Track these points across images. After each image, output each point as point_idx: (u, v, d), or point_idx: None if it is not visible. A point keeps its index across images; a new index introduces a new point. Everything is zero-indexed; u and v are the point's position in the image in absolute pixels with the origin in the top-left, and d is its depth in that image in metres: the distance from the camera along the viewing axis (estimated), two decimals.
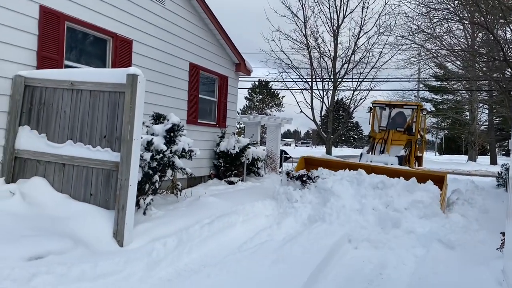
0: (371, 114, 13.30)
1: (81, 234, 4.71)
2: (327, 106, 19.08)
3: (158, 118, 7.04)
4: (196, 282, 4.29)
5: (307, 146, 79.73)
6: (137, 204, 5.72)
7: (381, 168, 8.18)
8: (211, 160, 10.61)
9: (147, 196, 5.98)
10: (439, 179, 7.86)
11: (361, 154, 11.76)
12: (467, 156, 36.14)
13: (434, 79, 29.62)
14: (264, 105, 61.74)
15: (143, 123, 6.21)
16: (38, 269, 3.80)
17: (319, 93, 18.97)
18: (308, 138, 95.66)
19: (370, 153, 11.87)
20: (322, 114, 20.29)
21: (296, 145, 75.85)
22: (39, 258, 4.06)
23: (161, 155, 6.14)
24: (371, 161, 10.21)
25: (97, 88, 5.27)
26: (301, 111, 18.39)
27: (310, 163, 9.13)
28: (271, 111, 61.36)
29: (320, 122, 20.20)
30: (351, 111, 20.96)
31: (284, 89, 18.70)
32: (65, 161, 5.35)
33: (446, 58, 19.79)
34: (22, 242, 4.17)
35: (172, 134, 6.41)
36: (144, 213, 5.83)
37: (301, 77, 19.07)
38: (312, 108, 18.78)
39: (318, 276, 4.64)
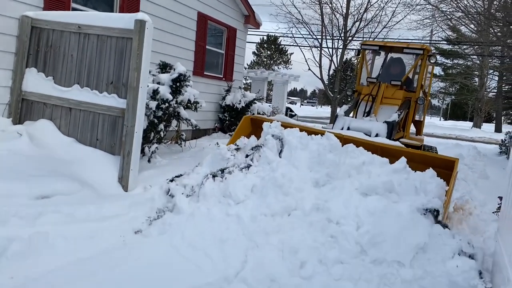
0: (359, 60, 9.20)
1: (87, 177, 4.81)
2: (336, 65, 18.80)
3: (164, 67, 6.99)
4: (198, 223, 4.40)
5: (312, 106, 79.35)
6: (142, 151, 5.80)
7: (359, 141, 5.11)
8: (216, 114, 10.62)
9: (152, 144, 6.05)
10: (446, 165, 4.78)
11: (336, 116, 7.33)
12: (472, 123, 36.01)
13: (446, 42, 28.98)
14: (271, 62, 60.79)
15: (149, 72, 6.18)
16: (45, 208, 3.92)
17: (329, 51, 18.66)
18: (314, 98, 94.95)
19: (351, 114, 7.83)
20: (330, 73, 20.02)
21: (301, 104, 75.44)
22: (46, 198, 4.18)
23: (166, 104, 6.16)
24: (348, 128, 6.69)
25: (104, 33, 5.20)
26: (309, 69, 18.13)
27: (258, 125, 5.80)
28: (278, 68, 60.55)
29: (327, 82, 19.98)
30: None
31: (293, 45, 18.28)
32: (72, 105, 5.37)
33: (460, 20, 19.27)
34: (30, 182, 4.27)
35: (178, 84, 6.39)
36: (149, 161, 5.93)
37: (311, 33, 18.67)
38: (320, 66, 18.51)
39: None
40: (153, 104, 5.83)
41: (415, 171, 4.30)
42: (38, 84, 5.59)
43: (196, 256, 3.42)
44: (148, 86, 5.55)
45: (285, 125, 5.33)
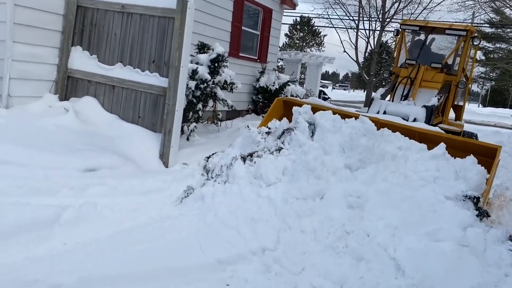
0: (397, 41, 8.80)
1: (130, 153, 5.01)
2: (372, 47, 18.40)
3: (202, 48, 7.06)
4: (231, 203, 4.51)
5: (344, 90, 78.09)
6: (181, 130, 5.94)
7: (396, 126, 4.93)
8: (250, 95, 10.67)
9: (191, 123, 6.19)
10: (487, 153, 4.58)
11: (372, 99, 7.16)
12: None
13: (488, 25, 27.73)
14: (304, 44, 59.99)
15: None
16: (92, 180, 4.13)
17: (365, 33, 18.26)
18: (347, 81, 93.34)
19: (388, 98, 7.52)
20: (366, 56, 19.62)
21: (333, 88, 74.38)
22: (93, 171, 4.39)
23: (205, 84, 6.26)
24: (384, 112, 6.44)
25: (147, 12, 5.32)
26: (344, 51, 17.88)
27: (291, 107, 5.47)
28: (311, 50, 59.70)
29: (362, 65, 19.63)
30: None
31: (328, 26, 18.04)
32: (115, 83, 5.55)
33: (505, 2, 18.36)
34: (77, 155, 4.50)
35: (216, 65, 6.47)
36: (188, 139, 6.08)
37: (348, 14, 18.30)
38: (356, 49, 18.21)
39: None
40: (192, 84, 5.95)
41: (455, 158, 4.17)
42: (83, 62, 5.79)
43: (228, 233, 3.51)
44: None
45: (318, 108, 5.29)
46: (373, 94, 8.00)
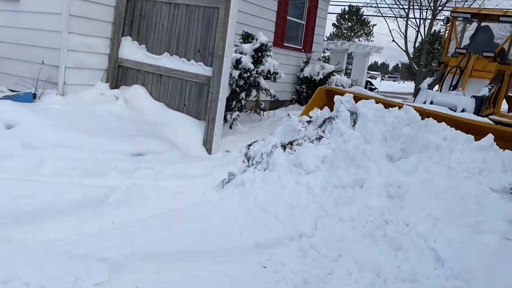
0: (448, 28, 8.52)
1: (175, 139, 5.20)
2: (423, 36, 17.74)
3: (246, 38, 7.15)
4: (270, 189, 4.57)
5: (394, 81, 75.73)
6: (225, 118, 6.09)
7: (441, 116, 4.71)
8: (293, 85, 10.66)
9: (234, 112, 6.31)
10: None
11: (419, 89, 7.08)
12: None
13: None
14: (352, 34, 58.68)
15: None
16: (139, 164, 4.33)
17: (416, 21, 17.61)
18: (396, 72, 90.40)
19: (436, 88, 7.28)
20: (416, 46, 18.95)
21: (382, 79, 72.32)
22: (140, 155, 4.61)
23: (248, 74, 6.35)
24: (431, 102, 6.21)
25: (193, 3, 5.46)
26: (393, 40, 17.36)
27: (334, 97, 5.27)
28: (359, 40, 58.31)
29: (412, 55, 18.96)
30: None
31: (376, 15, 17.51)
32: (162, 72, 5.76)
33: None
34: (126, 140, 4.74)
35: (259, 54, 6.54)
36: (230, 127, 6.21)
37: (397, 3, 17.71)
38: (405, 38, 17.62)
39: None
40: (235, 73, 6.05)
41: (504, 150, 3.96)
42: (132, 52, 6.05)
43: (267, 218, 3.58)
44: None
45: (361, 97, 5.20)
46: (420, 84, 7.70)
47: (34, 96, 5.31)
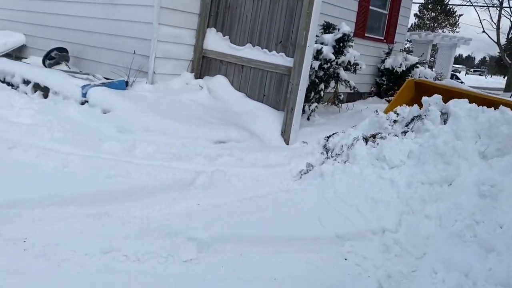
0: None
1: (254, 129, 5.31)
2: None
3: (327, 28, 7.05)
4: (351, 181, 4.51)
5: (480, 75, 70.28)
6: (303, 110, 6.07)
7: None
8: (373, 77, 10.33)
9: (312, 103, 6.28)
10: None
11: None
12: None
13: None
14: (435, 24, 55.33)
15: None
16: (222, 151, 4.50)
17: (510, 11, 16.18)
18: (483, 66, 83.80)
19: None
20: (509, 37, 17.44)
21: (467, 73, 67.44)
22: (222, 143, 4.78)
23: (328, 64, 6.27)
24: None
25: None
26: (484, 31, 16.12)
27: (423, 90, 5.29)
28: (443, 31, 54.84)
29: (504, 47, 17.49)
30: None
31: (464, 5, 16.29)
32: (244, 63, 5.88)
33: None
34: (210, 128, 4.93)
35: (341, 44, 6.43)
36: (308, 119, 6.20)
37: None
38: (498, 29, 16.27)
39: None
40: (315, 64, 6.01)
41: None
42: (216, 43, 6.24)
43: (347, 211, 3.55)
44: None
45: (455, 91, 4.92)
46: None
47: (126, 83, 5.71)
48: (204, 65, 6.39)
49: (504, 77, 55.51)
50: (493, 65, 66.86)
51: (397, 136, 4.35)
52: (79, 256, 2.61)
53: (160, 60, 5.95)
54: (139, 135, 4.53)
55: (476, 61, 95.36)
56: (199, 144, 4.53)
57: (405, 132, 4.34)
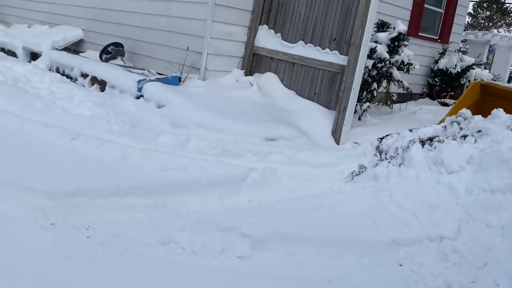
0: None
1: (304, 127, 5.27)
2: None
3: (382, 26, 6.86)
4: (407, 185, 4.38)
5: None
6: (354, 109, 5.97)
7: None
8: (425, 78, 9.98)
9: (364, 103, 6.15)
10: None
11: None
12: None
13: None
14: (490, 24, 52.74)
15: None
16: (272, 149, 4.48)
17: None
18: None
19: None
20: None
21: None
22: (273, 140, 4.77)
23: (382, 63, 6.12)
24: None
25: None
26: None
27: (489, 93, 5.28)
28: (498, 31, 52.15)
29: None
30: None
31: None
32: (295, 60, 5.85)
33: None
34: (260, 125, 4.94)
35: (396, 44, 6.25)
36: (359, 119, 6.08)
37: None
38: None
39: None
40: (369, 63, 5.87)
41: None
42: (267, 40, 6.24)
43: (403, 215, 3.45)
44: None
45: None
46: None
47: (179, 79, 5.82)
48: (254, 62, 6.41)
49: None
50: None
51: (456, 140, 4.18)
52: (139, 246, 2.68)
53: (212, 57, 6.02)
54: (192, 130, 4.61)
55: None
56: (250, 141, 4.54)
57: (464, 136, 4.16)
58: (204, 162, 3.80)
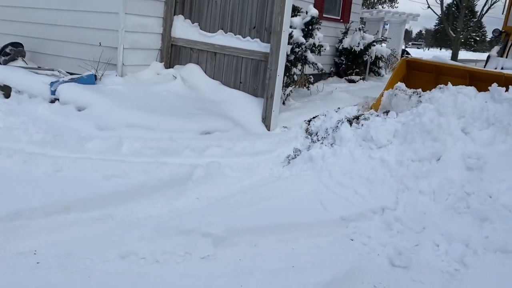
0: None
1: (235, 117, 5.27)
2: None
3: (293, 11, 7.03)
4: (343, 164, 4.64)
5: (418, 48, 73.29)
6: None
7: None
8: (331, 57, 10.52)
9: (287, 88, 6.32)
10: None
11: (488, 57, 8.06)
12: None
13: None
14: (375, 0, 56.79)
15: None
16: (209, 142, 4.44)
17: None
18: (420, 39, 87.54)
19: (504, 56, 8.00)
20: (444, 11, 18.31)
21: (406, 46, 70.08)
22: (208, 133, 4.72)
23: (299, 48, 6.31)
24: (502, 68, 6.90)
25: None
26: (429, 7, 16.79)
27: (413, 68, 6.01)
28: (382, 7, 56.40)
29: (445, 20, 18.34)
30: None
31: None
32: (217, 50, 5.79)
33: None
34: (192, 119, 4.85)
35: (310, 27, 6.48)
36: (283, 103, 6.24)
37: None
38: (442, 3, 17.01)
39: None
40: (288, 48, 6.02)
41: None
42: (185, 31, 6.09)
43: (346, 193, 3.67)
44: None
45: (445, 67, 5.48)
46: (489, 52, 8.50)
47: (95, 77, 5.46)
48: (173, 54, 6.23)
49: (440, 49, 58.22)
50: (429, 38, 69.95)
51: (379, 116, 4.52)
52: (97, 263, 2.53)
53: (129, 51, 5.73)
54: (122, 131, 4.37)
55: (413, 35, 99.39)
56: (185, 137, 4.45)
57: (387, 112, 4.51)
58: (146, 165, 3.65)
